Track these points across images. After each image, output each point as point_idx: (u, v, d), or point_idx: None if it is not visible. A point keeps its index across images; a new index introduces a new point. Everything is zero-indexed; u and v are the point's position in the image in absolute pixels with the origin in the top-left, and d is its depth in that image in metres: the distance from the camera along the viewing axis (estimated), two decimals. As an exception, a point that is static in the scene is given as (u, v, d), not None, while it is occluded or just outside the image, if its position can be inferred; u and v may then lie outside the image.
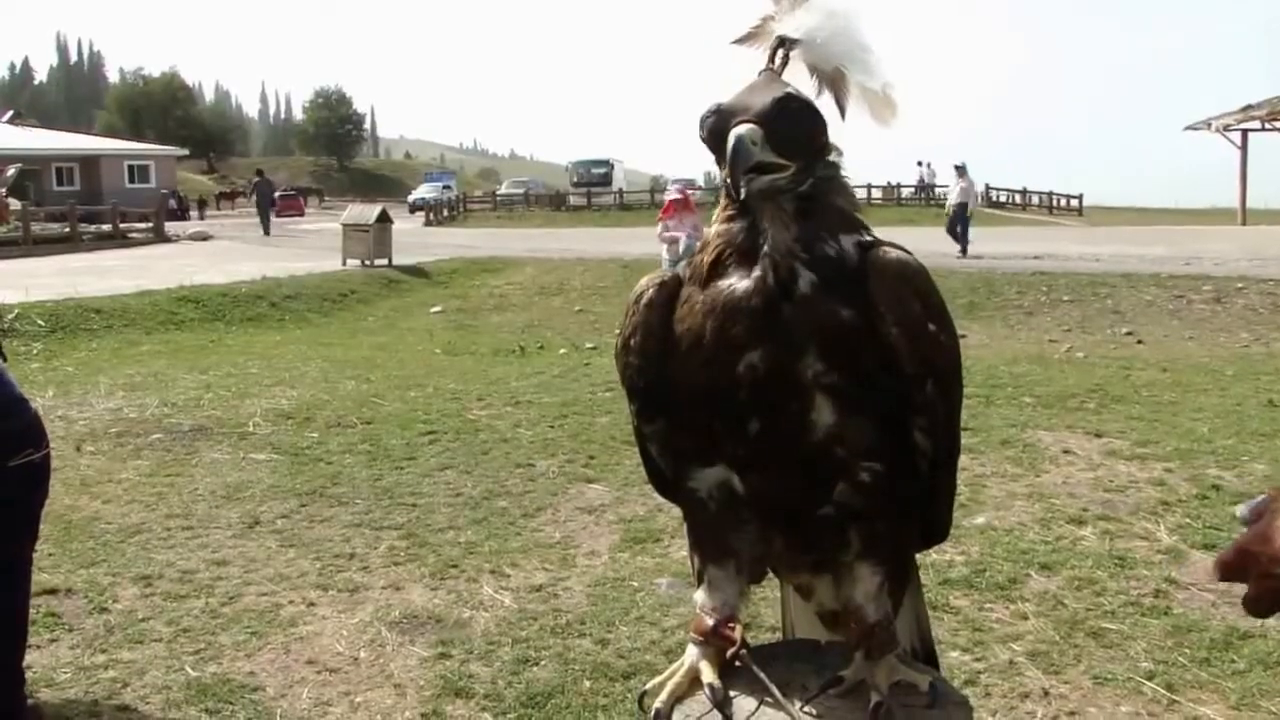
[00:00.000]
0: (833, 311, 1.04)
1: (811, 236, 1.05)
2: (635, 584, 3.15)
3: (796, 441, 1.05)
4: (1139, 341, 9.63)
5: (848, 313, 1.04)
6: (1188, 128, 24.04)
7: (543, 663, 2.64)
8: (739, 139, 1.01)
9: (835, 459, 1.05)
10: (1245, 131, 22.93)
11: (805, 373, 1.03)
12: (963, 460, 4.73)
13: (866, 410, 1.05)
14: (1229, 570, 0.82)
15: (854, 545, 1.11)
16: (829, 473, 1.06)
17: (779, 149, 1.03)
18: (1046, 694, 2.48)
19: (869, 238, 1.11)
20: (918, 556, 1.30)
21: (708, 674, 1.16)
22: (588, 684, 2.52)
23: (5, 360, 2.20)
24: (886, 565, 1.13)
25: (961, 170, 16.14)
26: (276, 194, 29.25)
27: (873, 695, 1.11)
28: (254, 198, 25.31)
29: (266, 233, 22.75)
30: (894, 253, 1.09)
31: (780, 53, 1.09)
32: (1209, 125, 23.16)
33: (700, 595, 1.21)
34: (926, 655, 1.30)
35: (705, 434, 1.10)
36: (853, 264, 1.06)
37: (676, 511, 1.25)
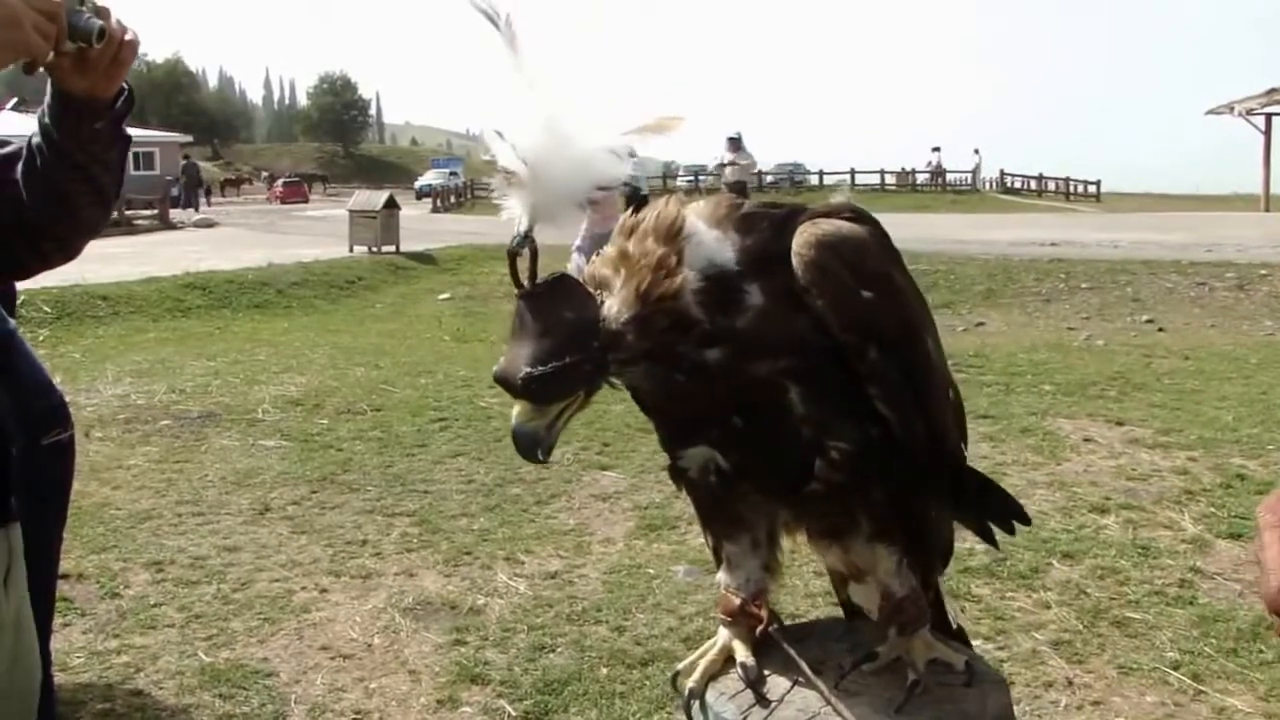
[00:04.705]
0: (736, 325, 1.01)
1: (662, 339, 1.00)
2: (652, 571, 3.11)
3: (778, 426, 1.05)
4: (1160, 329, 9.48)
5: (757, 304, 1.01)
6: (1209, 111, 23.60)
7: (559, 650, 2.62)
8: (516, 439, 1.01)
9: (805, 439, 1.05)
10: (1269, 115, 22.45)
11: (761, 371, 1.02)
12: (983, 448, 4.63)
13: (826, 387, 1.04)
14: None
15: (864, 527, 1.11)
16: (806, 452, 1.06)
17: (555, 396, 0.99)
18: (1070, 683, 2.45)
19: (766, 214, 1.05)
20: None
21: (741, 653, 1.16)
22: (604, 671, 2.49)
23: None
24: (898, 542, 1.12)
25: (736, 143, 12.30)
26: (279, 180, 30.85)
27: (909, 673, 1.11)
28: (182, 180, 28.98)
29: (196, 209, 26.41)
30: (823, 224, 1.04)
31: (527, 251, 0.98)
32: (1232, 109, 22.73)
33: (722, 575, 1.20)
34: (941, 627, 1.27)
35: (688, 423, 1.10)
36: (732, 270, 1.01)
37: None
